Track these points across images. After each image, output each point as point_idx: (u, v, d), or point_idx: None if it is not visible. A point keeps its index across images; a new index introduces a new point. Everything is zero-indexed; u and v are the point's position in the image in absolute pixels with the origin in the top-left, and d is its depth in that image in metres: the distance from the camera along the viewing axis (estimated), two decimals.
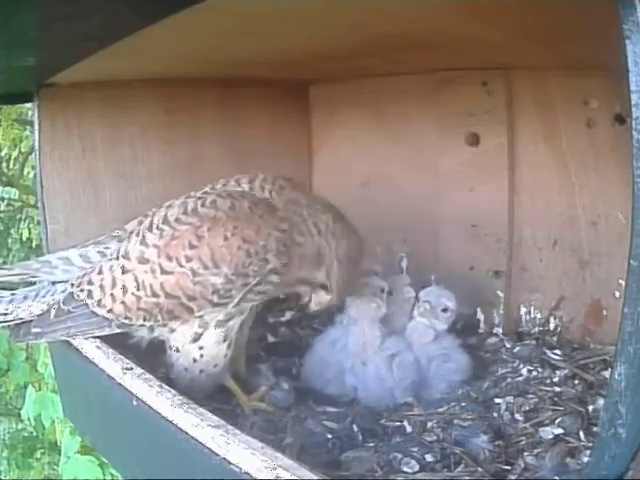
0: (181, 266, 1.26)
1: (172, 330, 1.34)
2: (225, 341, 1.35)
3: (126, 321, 1.31)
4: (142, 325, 1.32)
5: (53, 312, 1.35)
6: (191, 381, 1.35)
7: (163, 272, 1.27)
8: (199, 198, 1.33)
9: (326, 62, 1.63)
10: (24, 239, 4.65)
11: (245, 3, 0.95)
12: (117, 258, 1.34)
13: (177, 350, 1.35)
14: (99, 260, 1.40)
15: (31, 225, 4.61)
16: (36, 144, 1.68)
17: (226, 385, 1.41)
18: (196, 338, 1.33)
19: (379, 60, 1.61)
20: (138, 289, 1.29)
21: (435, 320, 1.53)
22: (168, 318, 1.30)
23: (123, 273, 1.31)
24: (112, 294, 1.31)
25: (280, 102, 2.16)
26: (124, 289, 1.30)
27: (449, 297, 1.54)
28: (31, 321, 1.38)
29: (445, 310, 1.53)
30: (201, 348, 1.34)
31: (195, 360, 1.35)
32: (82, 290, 1.35)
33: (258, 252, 1.26)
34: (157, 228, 1.31)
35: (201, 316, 1.30)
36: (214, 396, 1.40)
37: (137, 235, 1.34)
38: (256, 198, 1.33)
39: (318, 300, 1.45)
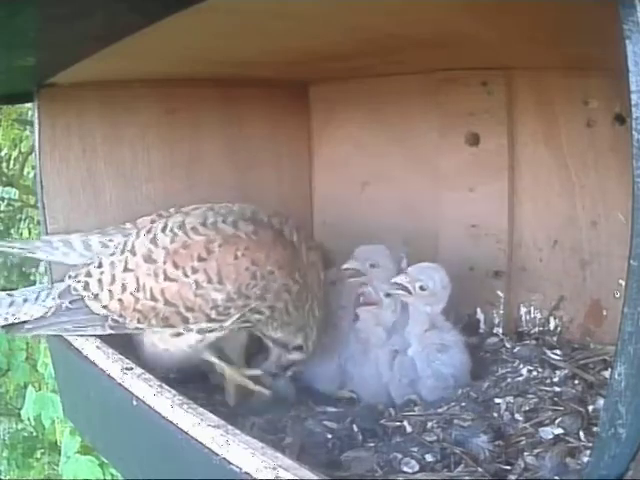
0: (186, 276, 1.26)
1: None
2: (198, 343, 1.33)
3: (120, 319, 1.30)
4: (136, 328, 1.31)
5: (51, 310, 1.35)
6: (158, 356, 1.34)
7: (166, 278, 1.27)
8: (219, 214, 1.33)
9: (326, 62, 1.63)
10: (24, 239, 4.64)
11: (245, 3, 0.95)
12: (122, 252, 1.33)
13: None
14: (100, 251, 1.39)
15: (31, 225, 4.60)
16: (36, 144, 1.67)
17: (206, 359, 1.38)
18: (173, 334, 1.32)
19: (379, 60, 1.61)
20: (137, 290, 1.28)
21: (412, 299, 1.47)
22: (162, 324, 1.29)
23: (124, 270, 1.30)
24: (110, 290, 1.30)
25: (280, 102, 2.16)
26: (123, 287, 1.29)
27: (431, 276, 1.47)
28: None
29: (423, 289, 1.46)
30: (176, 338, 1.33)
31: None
32: (79, 282, 1.34)
33: (264, 276, 1.27)
34: (170, 231, 1.31)
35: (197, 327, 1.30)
36: (214, 396, 1.40)
37: (148, 232, 1.33)
38: (284, 237, 1.34)
39: (290, 358, 1.46)
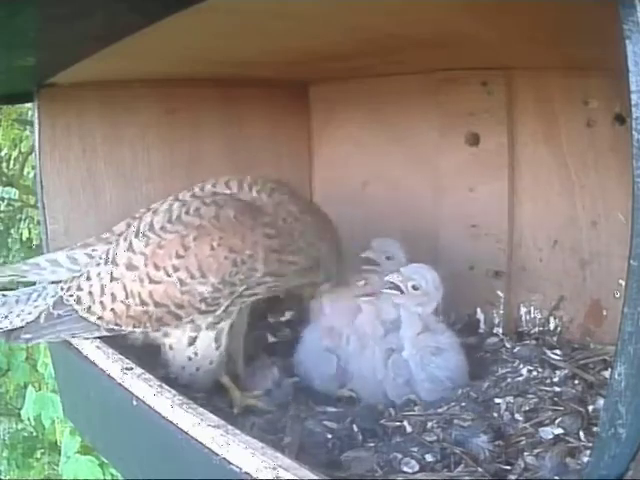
0: (168, 275, 1.27)
1: (166, 334, 1.36)
2: (217, 342, 1.36)
3: (116, 327, 1.32)
4: (132, 332, 1.33)
5: (43, 317, 1.36)
6: (190, 377, 1.37)
7: (151, 281, 1.28)
8: (183, 204, 1.33)
9: (326, 62, 1.63)
10: (24, 239, 4.64)
11: (245, 3, 0.95)
12: (105, 262, 1.34)
13: (171, 348, 1.37)
14: (87, 262, 1.41)
15: (31, 225, 4.60)
16: (36, 144, 1.68)
17: (221, 381, 1.42)
18: (190, 342, 1.35)
19: (379, 60, 1.61)
20: (127, 297, 1.29)
21: (404, 299, 1.46)
22: (157, 325, 1.31)
23: (111, 281, 1.31)
24: (101, 301, 1.32)
25: (280, 102, 2.16)
26: (113, 297, 1.31)
27: (424, 276, 1.47)
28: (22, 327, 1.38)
29: (415, 288, 1.46)
30: (195, 347, 1.36)
31: (190, 358, 1.36)
32: (71, 295, 1.35)
33: (245, 261, 1.27)
34: (143, 235, 1.31)
35: (191, 320, 1.32)
36: (214, 396, 1.40)
37: (125, 240, 1.34)
38: (242, 203, 1.33)
39: (320, 291, 1.52)
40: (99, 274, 1.34)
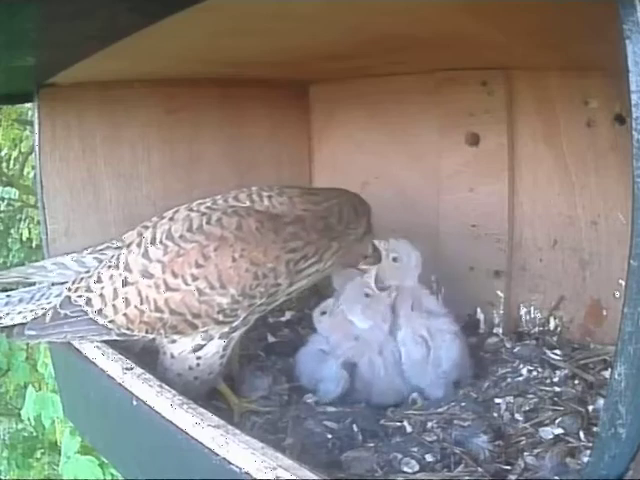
0: (187, 284, 1.24)
1: (173, 341, 1.33)
2: (224, 350, 1.34)
3: (127, 332, 1.29)
4: (144, 337, 1.30)
5: (49, 316, 1.33)
6: (184, 386, 1.32)
7: (168, 289, 1.25)
8: (203, 214, 1.31)
9: (326, 62, 1.63)
10: (24, 239, 4.64)
11: (245, 3, 0.95)
12: (117, 267, 1.31)
13: (172, 356, 1.34)
14: (95, 266, 1.38)
15: (31, 225, 4.60)
16: (36, 144, 1.68)
17: (218, 389, 1.41)
18: (197, 349, 1.32)
19: (379, 60, 1.61)
20: (141, 303, 1.26)
21: (383, 270, 1.49)
22: (171, 332, 1.28)
23: (125, 285, 1.28)
24: (114, 305, 1.28)
25: (280, 102, 2.16)
26: (127, 301, 1.28)
27: (408, 252, 1.50)
28: (25, 323, 1.36)
29: (395, 260, 1.50)
30: (199, 358, 1.33)
31: (191, 367, 1.34)
32: (80, 296, 1.32)
33: (266, 274, 1.26)
34: (160, 242, 1.28)
35: (205, 330, 1.30)
36: (213, 397, 1.40)
37: (138, 247, 1.31)
38: (264, 215, 1.31)
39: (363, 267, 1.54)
40: (111, 277, 1.30)
